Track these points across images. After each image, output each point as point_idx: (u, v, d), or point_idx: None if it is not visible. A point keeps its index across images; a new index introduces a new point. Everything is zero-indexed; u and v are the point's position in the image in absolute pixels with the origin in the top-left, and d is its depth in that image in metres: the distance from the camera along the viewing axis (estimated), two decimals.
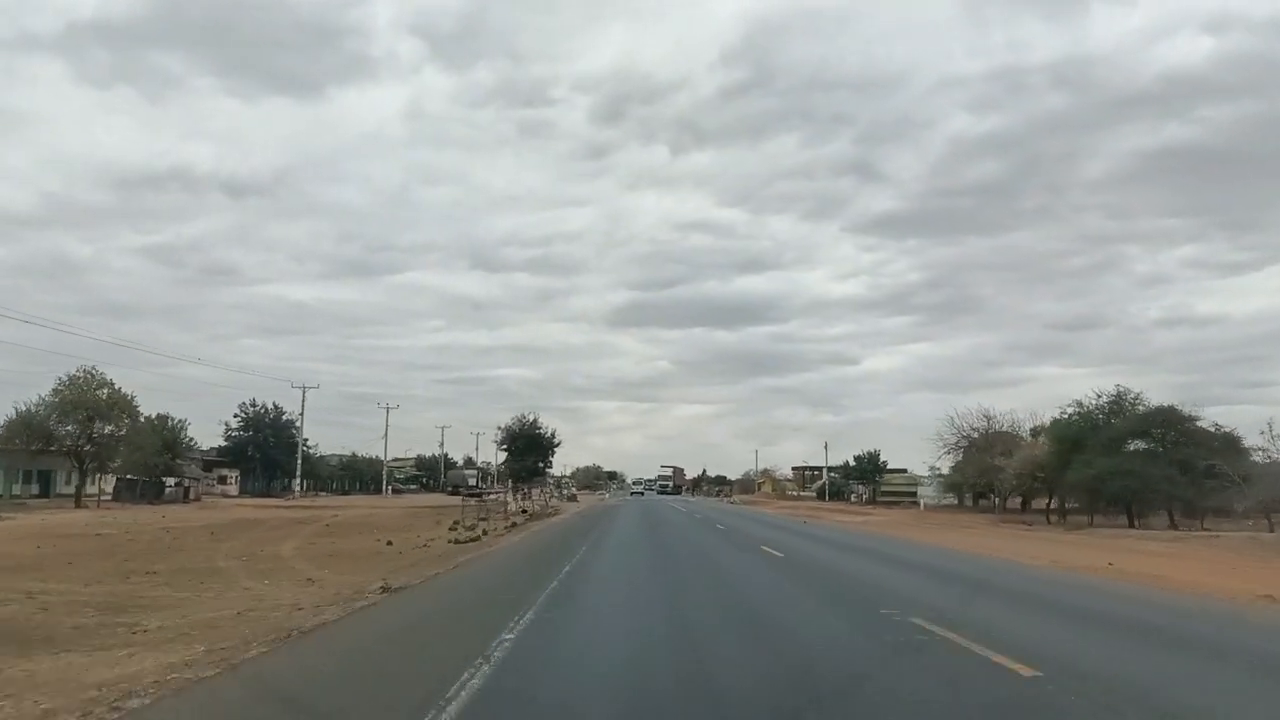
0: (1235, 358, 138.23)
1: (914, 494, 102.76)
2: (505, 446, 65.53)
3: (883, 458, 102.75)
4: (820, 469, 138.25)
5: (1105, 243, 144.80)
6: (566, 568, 16.13)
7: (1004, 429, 76.34)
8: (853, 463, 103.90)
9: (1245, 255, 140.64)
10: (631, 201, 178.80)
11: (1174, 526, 43.53)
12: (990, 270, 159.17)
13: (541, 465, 66.05)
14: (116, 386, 45.85)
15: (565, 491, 69.32)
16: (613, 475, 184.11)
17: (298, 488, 69.67)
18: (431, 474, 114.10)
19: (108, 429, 46.53)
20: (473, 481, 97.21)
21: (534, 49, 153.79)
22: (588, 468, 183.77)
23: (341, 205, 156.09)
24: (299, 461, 69.45)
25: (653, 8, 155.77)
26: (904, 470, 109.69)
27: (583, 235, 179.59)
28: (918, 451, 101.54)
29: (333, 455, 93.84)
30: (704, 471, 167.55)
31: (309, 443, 78.78)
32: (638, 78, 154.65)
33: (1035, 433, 71.42)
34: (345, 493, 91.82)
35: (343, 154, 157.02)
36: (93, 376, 44.66)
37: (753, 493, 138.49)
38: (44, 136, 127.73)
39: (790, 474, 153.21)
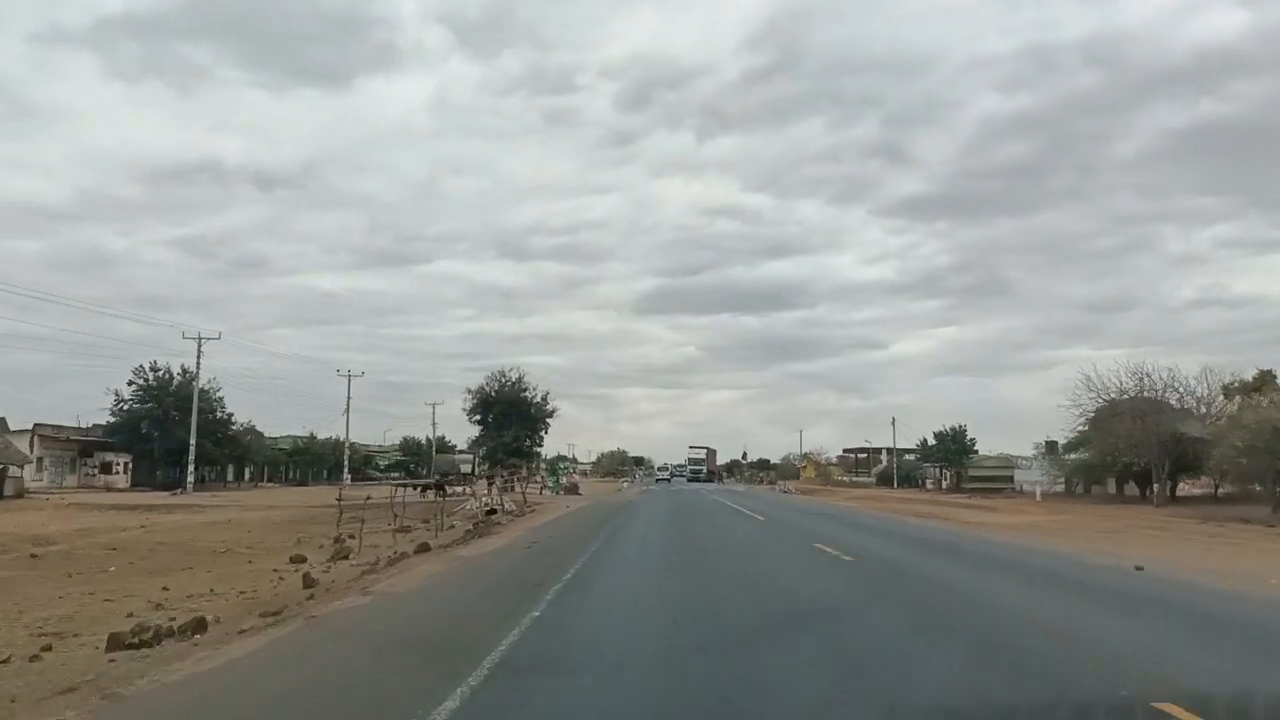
0: (1271, 338, 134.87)
1: (1010, 478, 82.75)
2: (477, 416, 46.82)
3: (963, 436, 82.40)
4: (877, 451, 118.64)
5: (1137, 223, 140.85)
6: None
7: (1152, 392, 56.93)
8: (932, 441, 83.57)
9: None
10: (658, 188, 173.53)
11: None
12: (1020, 252, 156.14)
13: (529, 443, 47.22)
14: None
15: (561, 479, 50.32)
16: (639, 461, 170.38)
17: (190, 478, 50.88)
18: (421, 461, 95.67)
19: None
20: (467, 468, 78.22)
21: (560, 36, 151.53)
22: (612, 453, 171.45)
23: (370, 196, 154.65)
24: (192, 443, 50.68)
25: None
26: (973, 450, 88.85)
27: (609, 222, 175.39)
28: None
29: (285, 437, 75.50)
30: (744, 455, 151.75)
31: (234, 419, 60.18)
32: (663, 63, 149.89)
33: (1229, 391, 51.48)
34: (300, 482, 73.37)
35: (371, 145, 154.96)
36: None
37: (797, 478, 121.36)
38: (76, 131, 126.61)
39: (834, 458, 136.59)
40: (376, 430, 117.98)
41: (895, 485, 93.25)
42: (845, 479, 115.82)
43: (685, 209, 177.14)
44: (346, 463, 71.22)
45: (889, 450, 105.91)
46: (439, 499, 28.83)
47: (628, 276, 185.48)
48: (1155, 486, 55.27)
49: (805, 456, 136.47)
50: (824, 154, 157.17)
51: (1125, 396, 57.83)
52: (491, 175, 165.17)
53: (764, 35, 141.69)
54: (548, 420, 48.18)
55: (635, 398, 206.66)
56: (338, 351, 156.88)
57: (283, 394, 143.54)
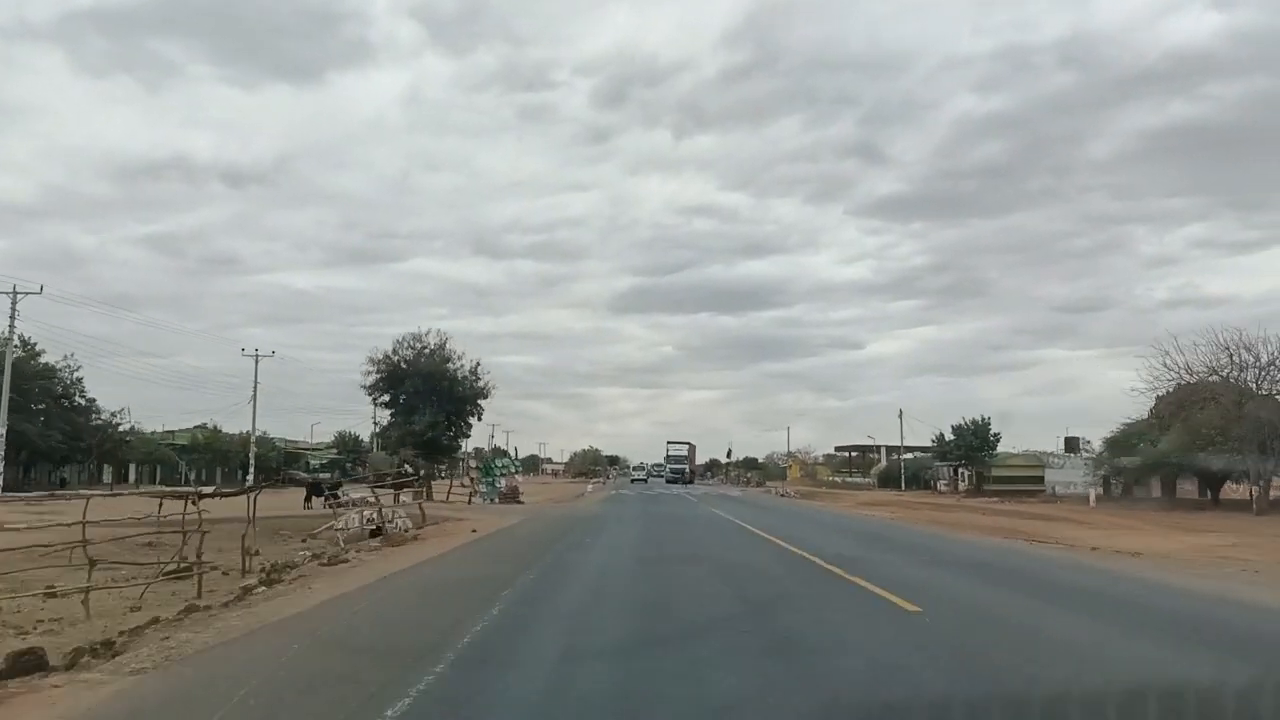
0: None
1: (1039, 479, 71.74)
2: (382, 395, 34.52)
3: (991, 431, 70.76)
4: (874, 448, 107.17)
5: (1111, 223, 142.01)
6: None
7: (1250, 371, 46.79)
8: (950, 436, 71.70)
9: (1254, 234, 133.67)
10: (634, 186, 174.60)
11: None
12: (996, 253, 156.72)
13: (451, 432, 35.07)
14: None
15: (499, 482, 36.91)
16: (613, 460, 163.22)
17: None
18: (361, 459, 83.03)
19: None
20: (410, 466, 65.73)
21: (534, 31, 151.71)
22: (584, 451, 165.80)
23: (343, 193, 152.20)
24: (1, 430, 37.72)
25: None
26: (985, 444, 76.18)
27: (586, 221, 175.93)
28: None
29: (183, 431, 62.91)
30: (729, 453, 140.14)
31: (100, 408, 47.51)
32: (640, 60, 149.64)
33: None
34: (200, 483, 60.56)
35: (343, 141, 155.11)
36: None
37: (784, 478, 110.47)
38: (44, 127, 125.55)
39: (820, 457, 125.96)
40: (322, 427, 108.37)
41: (903, 487, 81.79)
42: (837, 479, 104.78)
43: (662, 207, 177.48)
44: (253, 460, 58.51)
45: (888, 448, 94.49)
46: (243, 506, 16.86)
47: (605, 275, 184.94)
48: (1254, 490, 44.62)
49: (791, 455, 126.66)
50: (800, 153, 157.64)
51: (1215, 377, 46.80)
52: (466, 172, 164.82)
53: (741, 32, 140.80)
54: (480, 403, 36.04)
55: (612, 397, 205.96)
56: (311, 350, 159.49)
57: (213, 388, 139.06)
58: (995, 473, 71.55)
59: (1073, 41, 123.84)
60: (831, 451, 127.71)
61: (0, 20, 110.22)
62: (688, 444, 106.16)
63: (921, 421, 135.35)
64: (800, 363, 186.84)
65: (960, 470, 76.07)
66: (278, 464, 69.12)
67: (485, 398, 35.62)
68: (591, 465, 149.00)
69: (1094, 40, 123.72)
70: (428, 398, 33.55)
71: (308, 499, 33.05)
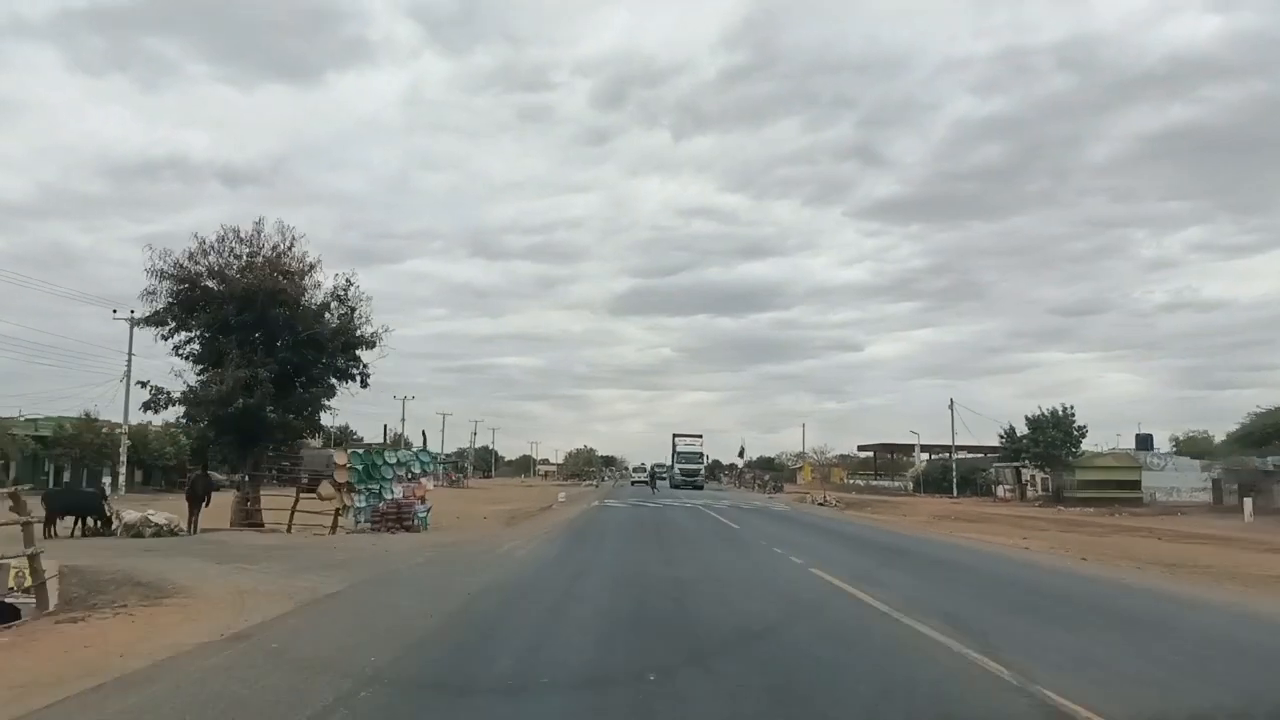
0: (1240, 342, 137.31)
1: (1136, 483, 57.71)
2: (176, 333, 19.77)
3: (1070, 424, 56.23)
4: (907, 447, 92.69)
5: (1110, 226, 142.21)
6: None
7: None
8: (1025, 431, 56.93)
9: (1251, 237, 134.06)
10: (634, 187, 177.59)
11: None
12: (994, 255, 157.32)
13: (309, 409, 20.51)
14: None
15: (389, 491, 22.76)
16: (609, 460, 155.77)
17: None
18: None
19: None
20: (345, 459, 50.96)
21: (533, 32, 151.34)
22: (579, 451, 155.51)
23: (340, 193, 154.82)
24: None
25: None
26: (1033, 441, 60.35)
27: (585, 222, 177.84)
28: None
29: (47, 420, 48.83)
30: (741, 452, 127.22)
31: None
32: (639, 61, 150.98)
33: None
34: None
35: (341, 141, 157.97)
36: None
37: (793, 481, 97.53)
38: (40, 125, 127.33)
39: (834, 457, 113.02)
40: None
41: (955, 493, 67.47)
42: (860, 482, 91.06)
43: (661, 208, 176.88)
44: (124, 455, 44.20)
45: (952, 447, 79.37)
46: None
47: (603, 276, 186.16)
48: None
49: (801, 456, 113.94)
50: (799, 155, 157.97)
51: None
52: (464, 172, 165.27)
53: (740, 34, 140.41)
54: (359, 355, 21.23)
55: (610, 399, 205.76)
56: None
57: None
58: (1079, 476, 57.22)
59: (1072, 44, 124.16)
60: (847, 452, 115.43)
61: None
62: (700, 437, 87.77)
63: (979, 415, 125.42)
64: (799, 364, 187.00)
65: (1031, 473, 61.80)
66: (182, 462, 54.65)
67: (369, 346, 20.93)
68: (585, 466, 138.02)
69: (1093, 43, 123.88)
70: (250, 337, 19.04)
71: (49, 522, 19.04)
